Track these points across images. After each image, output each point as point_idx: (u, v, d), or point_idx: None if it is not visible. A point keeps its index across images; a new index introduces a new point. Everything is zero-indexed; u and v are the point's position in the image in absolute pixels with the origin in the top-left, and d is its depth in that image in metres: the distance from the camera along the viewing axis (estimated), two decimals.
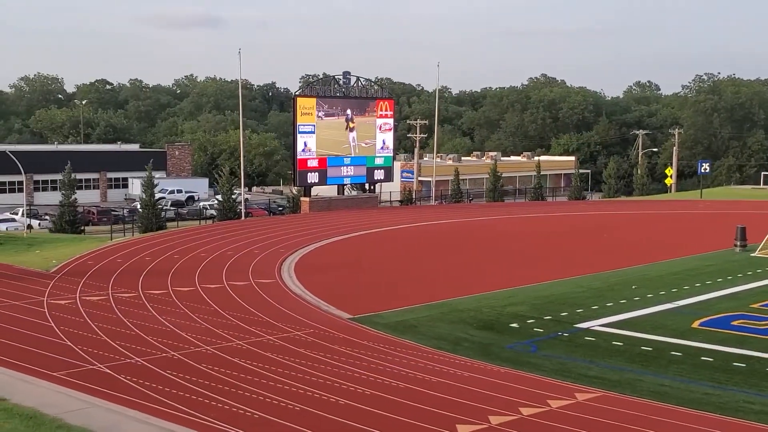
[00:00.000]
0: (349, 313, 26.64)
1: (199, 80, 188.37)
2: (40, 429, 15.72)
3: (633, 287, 30.96)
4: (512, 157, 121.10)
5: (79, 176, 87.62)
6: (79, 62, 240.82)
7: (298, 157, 57.82)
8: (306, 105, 57.94)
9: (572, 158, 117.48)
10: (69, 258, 36.65)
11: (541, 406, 17.47)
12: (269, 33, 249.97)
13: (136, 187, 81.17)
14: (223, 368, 19.92)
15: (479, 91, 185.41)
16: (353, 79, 61.08)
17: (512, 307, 27.64)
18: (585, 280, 32.84)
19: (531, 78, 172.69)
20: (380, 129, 63.10)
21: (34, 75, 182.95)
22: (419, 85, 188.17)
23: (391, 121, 64.26)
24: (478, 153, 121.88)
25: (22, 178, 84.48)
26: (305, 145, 57.89)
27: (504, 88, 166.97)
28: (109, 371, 19.66)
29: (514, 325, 25.29)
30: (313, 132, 58.32)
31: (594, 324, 25.20)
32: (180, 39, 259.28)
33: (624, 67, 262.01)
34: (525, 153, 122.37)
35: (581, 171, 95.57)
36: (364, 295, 30.20)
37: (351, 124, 60.65)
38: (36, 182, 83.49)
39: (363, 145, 61.73)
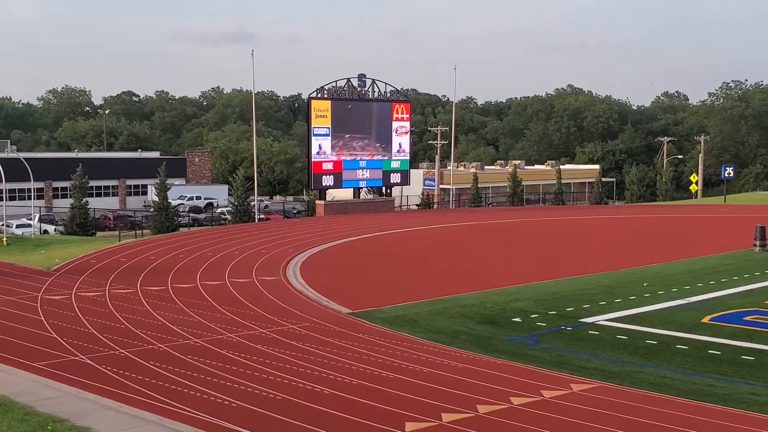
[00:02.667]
0: (350, 308, 25.98)
1: (225, 92, 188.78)
2: (8, 416, 15.19)
3: (645, 284, 30.04)
4: (536, 166, 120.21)
5: (98, 183, 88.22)
6: (107, 76, 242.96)
7: (313, 159, 57.30)
8: (320, 107, 57.44)
9: (597, 167, 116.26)
10: (72, 257, 36.25)
11: (533, 396, 16.67)
12: (299, 47, 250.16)
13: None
14: (209, 359, 19.30)
15: (504, 101, 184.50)
16: (368, 82, 60.51)
17: (517, 303, 26.84)
18: (596, 277, 31.97)
19: (557, 89, 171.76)
20: (396, 132, 62.46)
21: (62, 88, 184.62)
22: (444, 95, 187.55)
23: (407, 124, 63.57)
24: (502, 162, 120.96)
25: (41, 184, 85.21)
26: (320, 147, 57.37)
27: (528, 97, 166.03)
28: (90, 362, 19.08)
29: (516, 319, 24.49)
30: (327, 135, 57.82)
31: (599, 318, 24.35)
32: (211, 54, 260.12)
33: (652, 77, 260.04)
34: (549, 162, 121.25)
35: (607, 179, 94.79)
36: (367, 291, 29.54)
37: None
38: (55, 189, 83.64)
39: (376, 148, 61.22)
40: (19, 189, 74.60)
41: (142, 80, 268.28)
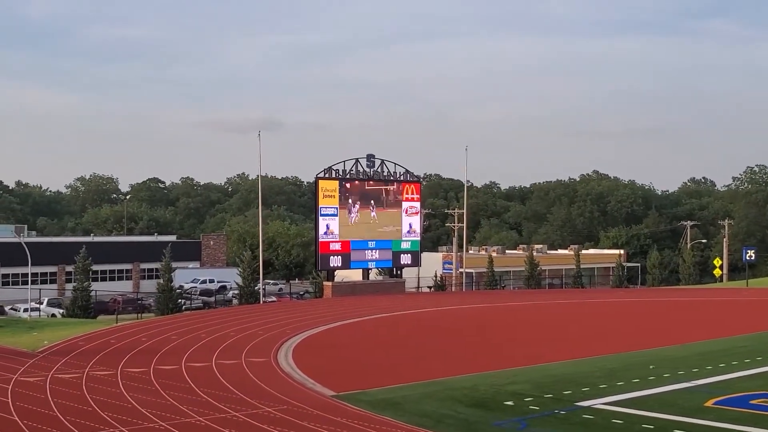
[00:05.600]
0: (335, 391, 24.68)
1: (250, 179, 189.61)
2: None
3: (651, 367, 28.51)
4: (559, 251, 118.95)
5: (112, 267, 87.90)
6: (135, 163, 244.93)
7: (320, 240, 56.45)
8: (328, 187, 56.85)
9: (618, 251, 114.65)
10: (61, 339, 35.27)
11: None
12: (327, 133, 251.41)
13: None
14: None
15: (528, 186, 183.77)
16: (377, 162, 59.87)
17: (513, 386, 25.41)
18: (602, 360, 30.50)
19: (582, 174, 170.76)
20: (406, 212, 61.61)
21: (90, 175, 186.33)
22: (468, 180, 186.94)
23: (417, 204, 62.72)
24: (524, 246, 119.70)
25: (54, 269, 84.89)
26: (327, 227, 56.56)
27: (551, 182, 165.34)
28: None
29: (509, 402, 23.06)
30: (335, 215, 57.04)
31: (596, 402, 22.87)
32: (238, 141, 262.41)
33: (677, 164, 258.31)
34: (572, 246, 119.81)
35: (632, 264, 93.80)
36: (357, 373, 28.20)
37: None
38: (68, 273, 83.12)
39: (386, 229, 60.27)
40: (32, 273, 74.10)
41: (168, 167, 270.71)
